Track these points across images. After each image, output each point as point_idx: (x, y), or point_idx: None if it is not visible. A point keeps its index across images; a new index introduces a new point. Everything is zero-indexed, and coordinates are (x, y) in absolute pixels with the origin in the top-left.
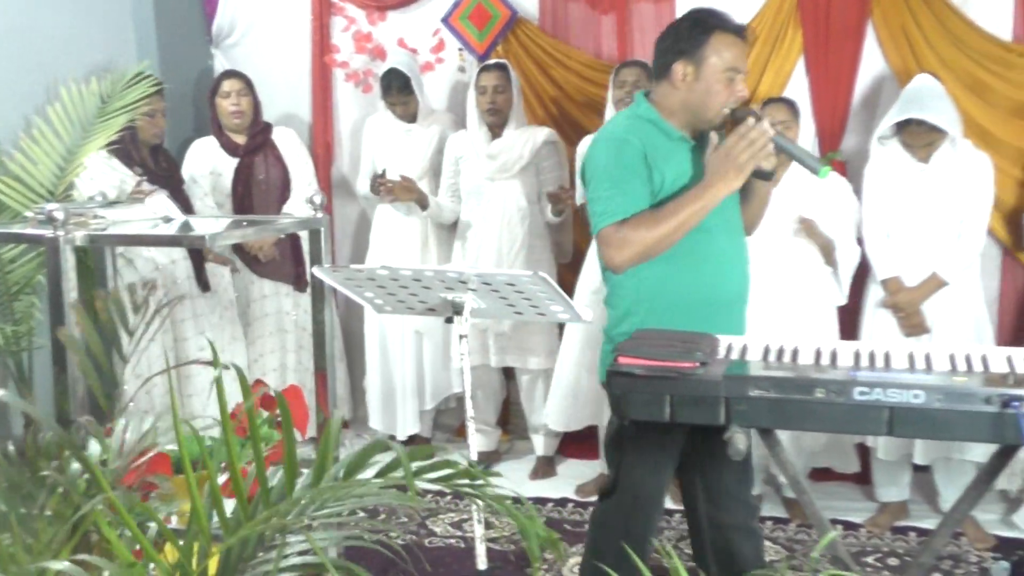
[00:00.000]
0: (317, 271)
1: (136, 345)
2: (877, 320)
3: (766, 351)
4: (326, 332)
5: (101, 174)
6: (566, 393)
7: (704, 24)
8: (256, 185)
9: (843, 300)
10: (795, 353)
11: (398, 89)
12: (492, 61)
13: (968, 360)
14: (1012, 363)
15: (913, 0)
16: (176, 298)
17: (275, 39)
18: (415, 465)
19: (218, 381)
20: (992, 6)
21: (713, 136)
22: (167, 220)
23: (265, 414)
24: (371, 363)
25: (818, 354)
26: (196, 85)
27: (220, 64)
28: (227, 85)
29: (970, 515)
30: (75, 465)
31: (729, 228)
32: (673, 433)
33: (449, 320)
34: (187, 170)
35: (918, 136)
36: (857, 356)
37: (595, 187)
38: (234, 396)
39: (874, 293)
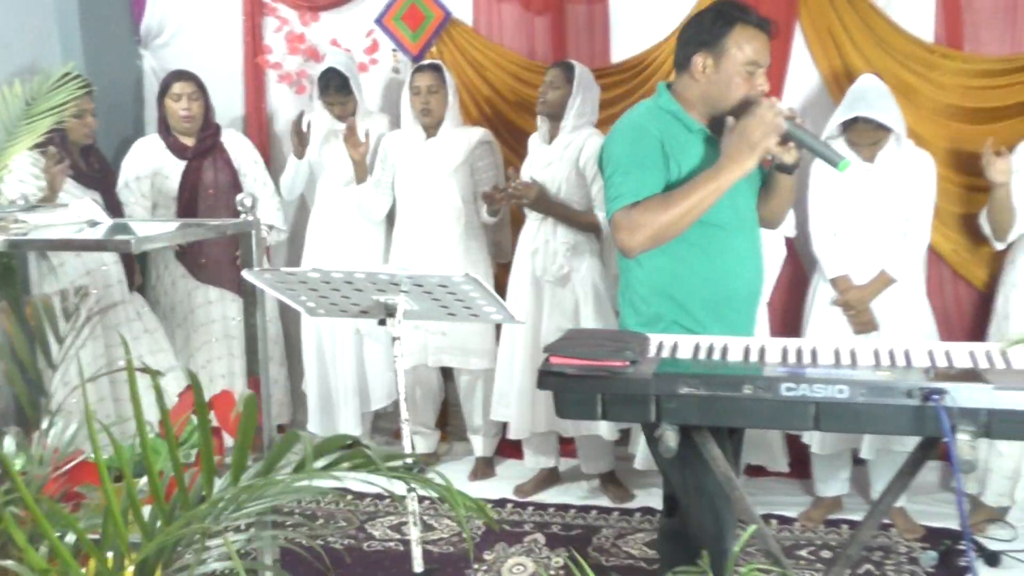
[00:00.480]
0: (247, 274)
1: (66, 353)
2: (825, 318)
3: (696, 349)
4: (259, 336)
5: (31, 176)
6: (521, 398)
7: (726, 16)
8: (203, 190)
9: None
10: (725, 350)
11: (336, 89)
12: (426, 62)
13: (892, 355)
14: (933, 357)
15: (839, 2)
16: (108, 306)
17: (206, 40)
18: (333, 456)
19: (133, 389)
20: (914, 8)
21: (729, 120)
22: (92, 224)
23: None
24: (309, 366)
25: (747, 351)
26: (125, 86)
27: (149, 65)
28: (178, 88)
29: (900, 506)
30: None
31: (743, 224)
32: (722, 434)
33: (382, 322)
34: (126, 171)
35: (865, 134)
36: (785, 353)
37: (610, 173)
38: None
39: (822, 291)
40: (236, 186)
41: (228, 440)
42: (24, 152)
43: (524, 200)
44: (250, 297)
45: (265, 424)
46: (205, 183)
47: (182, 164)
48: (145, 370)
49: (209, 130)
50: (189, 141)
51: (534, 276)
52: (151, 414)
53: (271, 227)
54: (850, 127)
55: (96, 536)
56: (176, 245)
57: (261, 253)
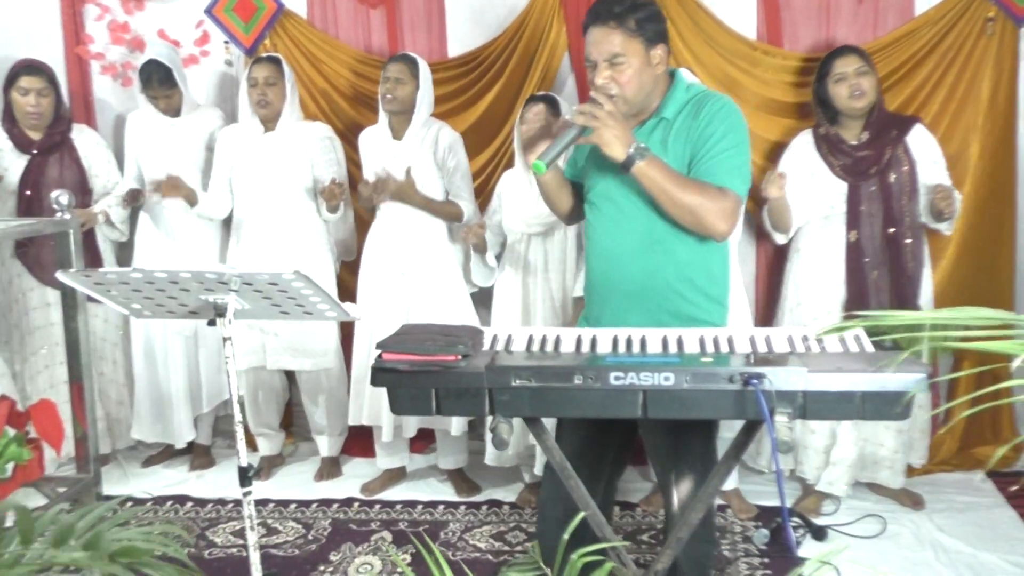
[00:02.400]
0: (62, 276)
1: None
2: None
3: (530, 341)
4: (81, 341)
5: None
6: (359, 388)
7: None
8: (46, 187)
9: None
10: (557, 342)
11: (159, 81)
12: (264, 54)
13: (716, 342)
14: (754, 343)
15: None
16: None
17: (20, 26)
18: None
19: None
20: (738, 7)
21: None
22: None
23: (12, 432)
24: (138, 370)
25: (579, 342)
26: None
27: None
28: (26, 82)
29: (735, 488)
30: None
31: (626, 220)
32: (569, 430)
33: (212, 323)
34: None
35: None
36: (615, 342)
37: None
38: None
39: None
40: (83, 185)
41: (49, 452)
42: None
43: (384, 196)
44: (70, 300)
45: (91, 432)
46: (49, 180)
47: (25, 158)
48: None
49: (60, 126)
50: (36, 135)
51: (395, 270)
52: None
53: (109, 221)
54: None
55: None
56: (13, 242)
57: (80, 253)
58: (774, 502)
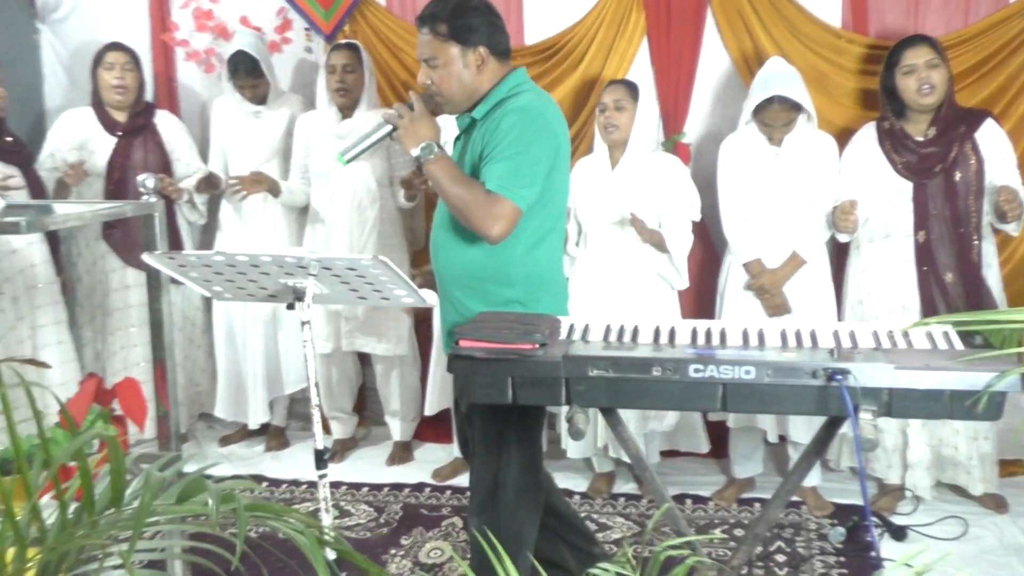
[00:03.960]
0: (148, 258)
1: None
2: (739, 301)
3: (607, 331)
4: (165, 322)
5: None
6: (433, 379)
7: None
8: (132, 170)
9: (684, 284)
10: (635, 333)
11: (246, 71)
12: (343, 41)
13: (798, 336)
14: (838, 338)
15: None
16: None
17: (109, 14)
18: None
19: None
20: None
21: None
22: None
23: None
24: (218, 351)
25: (657, 333)
26: (22, 63)
27: (47, 40)
28: (111, 57)
29: (812, 485)
30: None
31: (443, 214)
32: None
33: (291, 306)
34: (52, 140)
35: (779, 115)
36: (694, 334)
37: None
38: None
39: (734, 275)
40: (166, 169)
41: (132, 428)
42: None
43: None
44: (154, 281)
45: (172, 414)
46: (134, 163)
47: (112, 140)
48: (31, 362)
49: (141, 106)
50: (121, 117)
51: None
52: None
53: (191, 201)
54: (763, 110)
55: None
56: (101, 224)
57: (165, 236)
58: (851, 500)
